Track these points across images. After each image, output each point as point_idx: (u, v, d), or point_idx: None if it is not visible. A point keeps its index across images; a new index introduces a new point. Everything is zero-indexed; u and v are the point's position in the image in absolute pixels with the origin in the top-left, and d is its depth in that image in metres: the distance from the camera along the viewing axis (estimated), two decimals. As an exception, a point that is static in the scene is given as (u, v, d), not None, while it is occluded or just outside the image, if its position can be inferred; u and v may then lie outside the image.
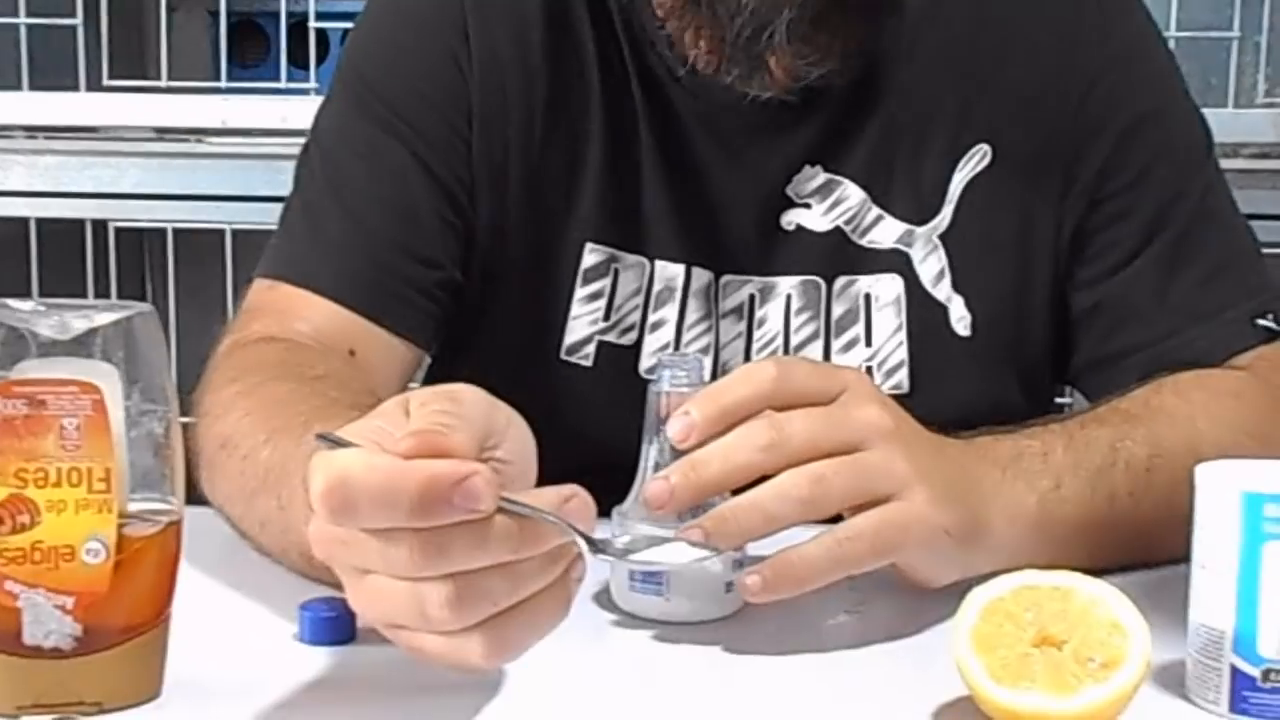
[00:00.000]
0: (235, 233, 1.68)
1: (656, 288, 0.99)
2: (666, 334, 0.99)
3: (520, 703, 0.67)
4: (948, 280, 0.98)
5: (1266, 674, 0.64)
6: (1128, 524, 0.82)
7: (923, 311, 0.98)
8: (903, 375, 0.97)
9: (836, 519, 0.72)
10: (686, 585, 0.75)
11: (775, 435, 0.70)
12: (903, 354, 0.98)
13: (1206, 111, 1.63)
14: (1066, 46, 1.00)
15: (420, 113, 0.94)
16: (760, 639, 0.74)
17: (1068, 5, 1.01)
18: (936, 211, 0.99)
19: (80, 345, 0.61)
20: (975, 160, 0.99)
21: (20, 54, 1.74)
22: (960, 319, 0.98)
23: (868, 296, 0.98)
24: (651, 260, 0.99)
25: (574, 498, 0.60)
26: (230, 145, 1.72)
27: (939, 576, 0.73)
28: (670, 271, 0.99)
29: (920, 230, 0.98)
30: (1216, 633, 0.65)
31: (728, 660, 0.72)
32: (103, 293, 1.73)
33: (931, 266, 0.98)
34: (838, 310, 0.99)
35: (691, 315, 0.99)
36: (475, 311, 0.99)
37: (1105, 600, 0.64)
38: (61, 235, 1.75)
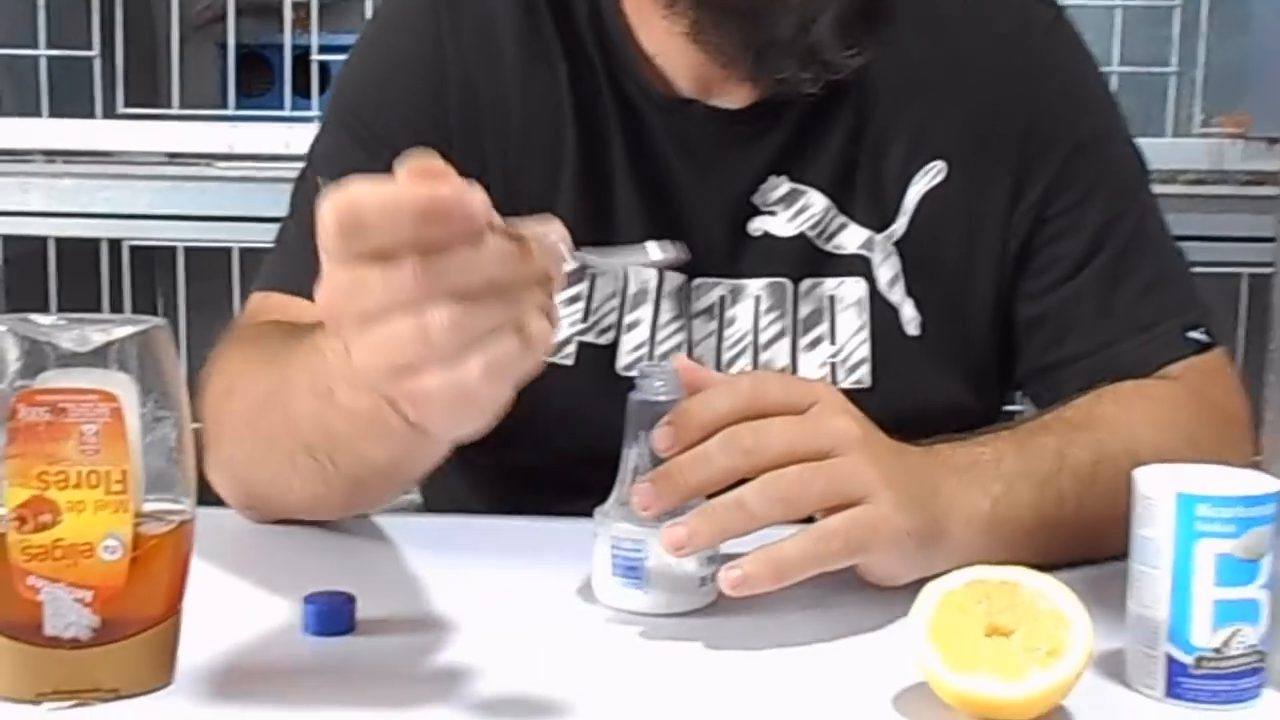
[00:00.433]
0: (242, 251, 1.68)
1: (632, 290, 0.99)
2: (642, 333, 0.99)
3: (508, 690, 0.67)
4: (901, 284, 0.99)
5: (1199, 661, 0.65)
6: (1073, 524, 0.82)
7: (880, 312, 0.99)
8: (864, 371, 0.97)
9: (807, 521, 0.73)
10: (664, 580, 0.75)
11: (755, 442, 0.72)
12: (865, 351, 0.98)
13: (1147, 141, 1.65)
14: (1015, 75, 1.00)
15: (404, 138, 0.93)
16: (734, 632, 0.74)
17: (1016, 37, 1.02)
18: (895, 220, 0.99)
19: (98, 357, 0.61)
20: (931, 175, 0.99)
21: (40, 83, 1.74)
22: (911, 319, 0.98)
23: (832, 298, 0.99)
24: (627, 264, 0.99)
25: (554, 226, 0.61)
26: (237, 169, 1.72)
27: (901, 575, 0.74)
28: (644, 275, 0.99)
29: (879, 237, 0.99)
30: (1153, 623, 0.66)
31: (705, 652, 0.73)
32: (117, 307, 1.73)
33: (887, 271, 0.98)
34: (804, 310, 0.99)
35: (665, 315, 0.99)
36: None
37: (1050, 593, 0.65)
38: (78, 253, 1.75)
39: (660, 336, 0.98)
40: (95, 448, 0.60)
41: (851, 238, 0.98)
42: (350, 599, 0.74)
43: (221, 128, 1.76)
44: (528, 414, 0.95)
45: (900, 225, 0.98)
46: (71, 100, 1.76)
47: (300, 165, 1.03)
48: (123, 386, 0.61)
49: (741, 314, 0.98)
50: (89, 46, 1.76)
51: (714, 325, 0.99)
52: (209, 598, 0.72)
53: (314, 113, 1.78)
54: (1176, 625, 0.65)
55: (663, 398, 0.76)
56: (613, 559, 0.76)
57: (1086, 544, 0.81)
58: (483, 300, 0.58)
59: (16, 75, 1.76)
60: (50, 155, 1.76)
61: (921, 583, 0.67)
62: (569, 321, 0.97)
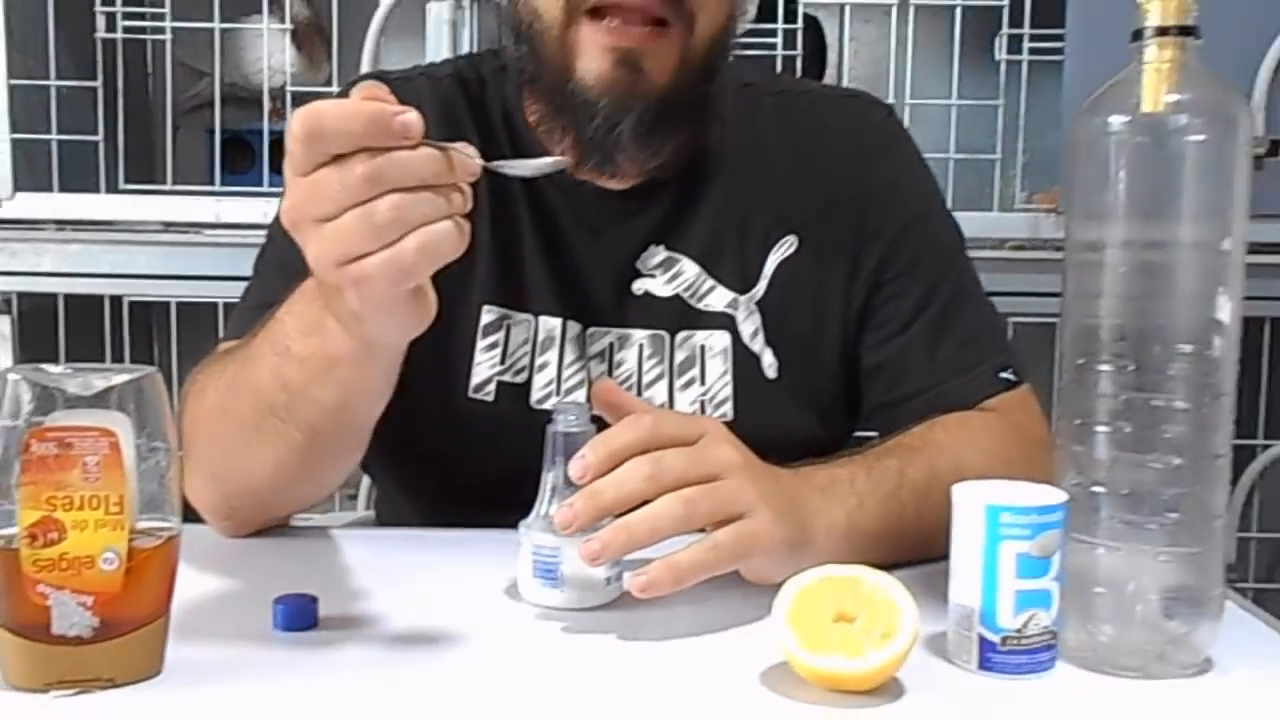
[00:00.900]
0: (226, 306, 1.62)
1: (540, 337, 0.98)
2: (550, 373, 0.98)
3: (448, 673, 0.67)
4: (761, 336, 0.98)
5: (1004, 640, 0.67)
6: (911, 531, 0.83)
7: (743, 359, 0.98)
8: (728, 407, 0.97)
9: (700, 532, 0.74)
10: (576, 581, 0.76)
11: (655, 469, 0.72)
12: (728, 391, 0.98)
13: (978, 214, 1.71)
14: (854, 166, 1.01)
15: None
16: (633, 623, 0.75)
17: (853, 134, 1.03)
18: (755, 284, 0.99)
19: (100, 399, 0.61)
20: (785, 247, 0.99)
21: (52, 162, 1.72)
22: (770, 365, 0.98)
23: (702, 347, 0.98)
24: (536, 316, 0.98)
25: (468, 146, 0.65)
26: (223, 236, 1.71)
27: (775, 576, 0.73)
28: (550, 324, 0.98)
29: (743, 298, 0.99)
30: (968, 610, 0.68)
31: (609, 639, 0.73)
32: (118, 354, 1.71)
33: (749, 326, 0.98)
34: (679, 357, 0.99)
35: (568, 358, 0.98)
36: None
37: (885, 587, 0.66)
38: (84, 307, 1.73)
39: (565, 375, 0.98)
40: (96, 476, 0.60)
41: (718, 298, 0.99)
42: (314, 600, 0.74)
43: (209, 201, 1.74)
44: (458, 441, 0.96)
45: (760, 288, 0.99)
46: (79, 177, 1.74)
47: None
48: (120, 424, 0.61)
49: (628, 358, 0.98)
50: (94, 131, 1.74)
51: (605, 367, 0.98)
52: (193, 600, 0.73)
53: (288, 188, 1.77)
54: (986, 611, 0.67)
55: (575, 429, 0.77)
56: (534, 564, 0.77)
57: (922, 547, 0.82)
58: (417, 194, 0.62)
59: (31, 156, 1.73)
60: (60, 224, 1.73)
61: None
62: (489, 364, 0.97)
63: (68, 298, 1.72)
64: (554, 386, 0.98)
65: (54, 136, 1.73)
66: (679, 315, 0.99)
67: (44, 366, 0.62)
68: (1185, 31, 0.66)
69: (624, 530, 0.72)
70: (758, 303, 0.99)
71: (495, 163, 0.70)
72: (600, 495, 0.72)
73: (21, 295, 1.72)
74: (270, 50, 1.86)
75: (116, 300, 1.72)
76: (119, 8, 1.74)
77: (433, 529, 0.99)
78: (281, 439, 0.81)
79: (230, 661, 0.68)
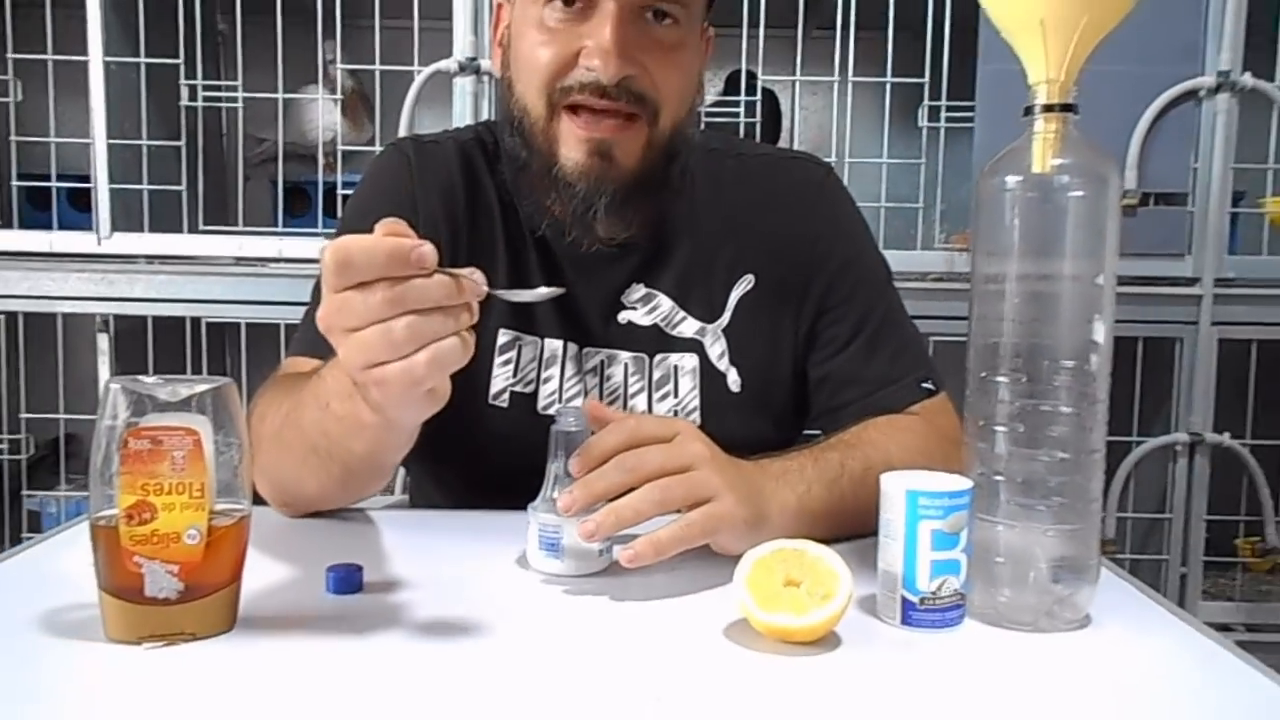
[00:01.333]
0: (287, 327, 1.64)
1: (546, 355, 0.97)
2: (554, 384, 0.97)
3: (471, 628, 0.67)
4: (726, 358, 0.98)
5: (922, 600, 0.67)
6: (850, 511, 0.83)
7: (710, 376, 0.98)
8: (696, 415, 0.97)
9: (677, 513, 0.74)
10: (574, 553, 0.76)
11: (637, 463, 0.73)
12: (696, 402, 0.97)
13: (904, 252, 1.71)
14: (800, 215, 1.00)
15: None
16: (619, 587, 0.75)
17: (799, 189, 1.02)
18: (720, 315, 0.99)
19: (185, 404, 0.62)
20: (745, 285, 0.99)
21: (143, 208, 1.72)
22: (734, 382, 0.98)
23: (675, 367, 0.98)
24: (542, 338, 0.97)
25: (475, 271, 0.64)
26: (284, 269, 1.71)
27: (738, 548, 0.73)
28: (554, 345, 0.97)
29: (710, 327, 0.98)
30: (893, 576, 0.68)
31: (601, 599, 0.74)
32: (197, 367, 1.71)
33: (716, 349, 0.98)
34: (657, 374, 0.98)
35: (568, 372, 0.98)
36: None
37: (826, 557, 0.67)
38: (169, 328, 1.72)
39: (566, 386, 0.98)
40: (182, 467, 0.61)
41: (689, 327, 0.98)
42: (360, 568, 0.74)
43: (273, 239, 1.74)
44: (479, 440, 0.96)
45: (725, 319, 0.98)
46: (165, 220, 1.74)
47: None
48: (202, 425, 0.62)
49: (616, 373, 0.98)
50: (178, 182, 1.74)
51: (597, 380, 0.98)
52: (260, 568, 0.73)
53: (338, 229, 1.77)
54: (907, 577, 0.67)
55: (574, 429, 0.78)
56: (540, 539, 0.77)
57: (858, 524, 0.81)
58: (429, 315, 0.62)
59: (127, 203, 1.73)
60: (150, 259, 1.73)
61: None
62: (504, 377, 0.97)
63: (155, 319, 1.72)
64: (557, 395, 0.97)
65: (145, 186, 1.73)
66: (656, 341, 0.98)
67: (139, 378, 0.62)
68: (1066, 108, 0.67)
69: (613, 513, 0.72)
70: (723, 330, 0.98)
71: (499, 291, 0.70)
72: (593, 485, 0.73)
73: (117, 318, 1.72)
74: (323, 116, 1.86)
75: (196, 321, 1.72)
76: (199, 81, 1.73)
77: (456, 511, 0.98)
78: (323, 470, 0.81)
79: (290, 619, 0.68)
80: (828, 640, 0.66)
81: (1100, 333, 0.68)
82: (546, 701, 0.57)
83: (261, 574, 0.74)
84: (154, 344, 1.71)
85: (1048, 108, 0.67)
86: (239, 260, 1.73)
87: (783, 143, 2.02)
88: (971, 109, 1.67)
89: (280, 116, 1.81)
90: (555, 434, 0.78)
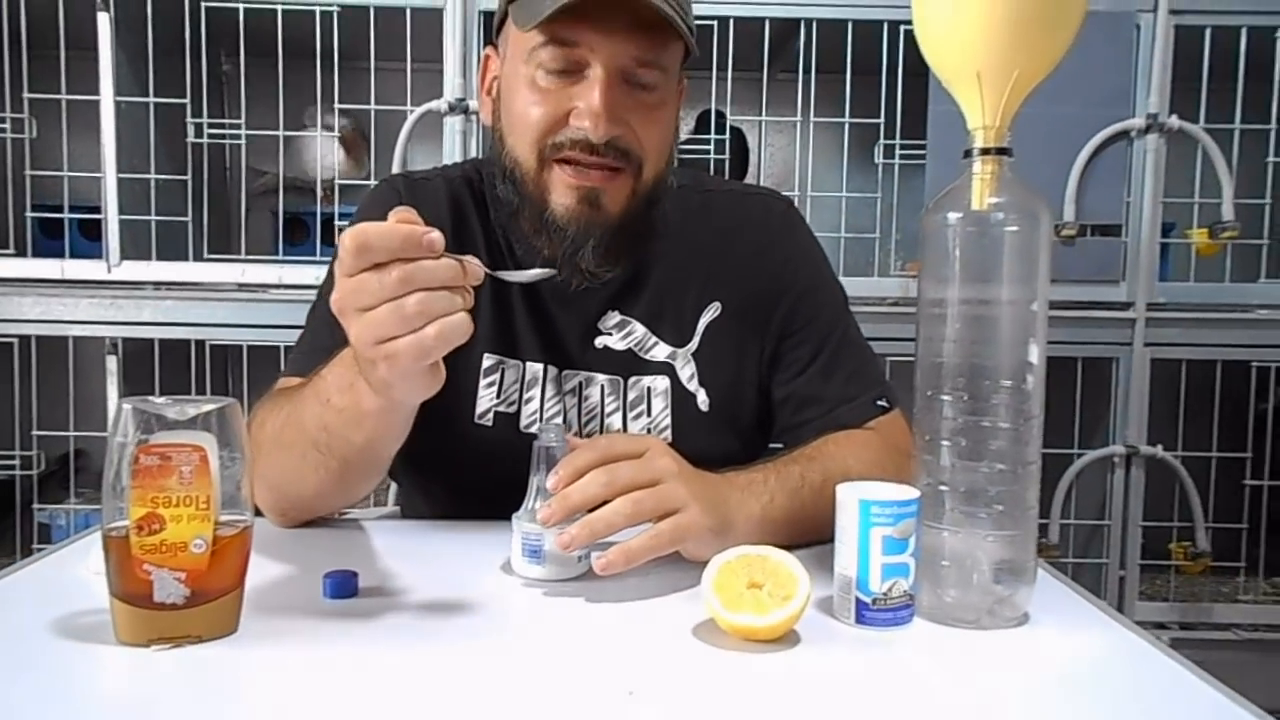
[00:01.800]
0: (286, 348, 1.63)
1: (527, 377, 0.97)
2: (535, 404, 0.97)
3: (460, 628, 0.68)
4: (696, 379, 0.98)
5: (874, 601, 0.68)
6: (810, 520, 0.83)
7: (681, 396, 0.98)
8: (668, 433, 0.97)
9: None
10: (555, 559, 0.77)
11: (609, 479, 0.74)
12: (668, 421, 0.97)
13: (863, 278, 1.73)
14: (764, 248, 1.01)
15: None
16: (597, 590, 0.76)
17: (762, 222, 1.02)
18: (690, 340, 0.99)
19: (192, 423, 0.62)
20: (712, 311, 0.99)
21: (151, 237, 1.71)
22: (702, 402, 0.98)
23: (649, 389, 0.98)
24: (523, 362, 0.97)
25: (474, 259, 0.66)
26: (284, 295, 1.70)
27: (705, 555, 0.73)
28: (535, 368, 0.97)
29: (680, 351, 0.99)
30: (847, 579, 0.69)
31: (580, 601, 0.74)
32: (200, 387, 1.70)
33: (686, 371, 0.98)
34: (631, 395, 0.98)
35: (548, 393, 0.98)
36: None
37: (787, 561, 0.68)
38: (175, 351, 1.71)
39: (546, 406, 0.98)
40: (189, 481, 0.61)
41: (661, 351, 0.99)
42: (355, 574, 0.74)
43: (273, 267, 1.73)
44: (465, 456, 0.96)
45: (694, 343, 0.99)
46: (172, 249, 1.73)
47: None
48: (208, 442, 0.62)
49: (593, 395, 0.98)
50: (184, 213, 1.73)
51: (575, 400, 0.98)
52: (262, 575, 0.74)
53: (335, 258, 1.76)
54: (861, 579, 0.68)
55: (554, 445, 0.79)
56: (523, 546, 0.78)
57: (816, 531, 0.82)
58: (438, 293, 0.64)
59: (135, 233, 1.72)
60: (157, 285, 1.71)
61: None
62: (489, 397, 0.97)
63: (161, 342, 1.70)
64: (538, 415, 0.98)
65: (153, 217, 1.72)
66: (630, 364, 0.98)
67: (148, 398, 0.63)
68: (1002, 151, 0.69)
69: (587, 525, 0.73)
70: (693, 354, 0.99)
71: (498, 272, 0.73)
72: (570, 498, 0.74)
73: (126, 340, 1.71)
74: (322, 152, 1.86)
75: (200, 344, 1.71)
76: (205, 119, 1.74)
77: (445, 521, 0.98)
78: (322, 466, 0.81)
79: (290, 622, 0.68)
80: (788, 638, 0.66)
81: (1035, 354, 0.69)
82: (528, 695, 0.58)
83: (263, 580, 0.74)
84: (160, 366, 1.70)
85: (984, 151, 0.69)
86: (241, 286, 1.72)
87: (750, 177, 2.03)
88: (923, 147, 1.69)
89: (281, 152, 1.81)
90: (537, 450, 0.79)
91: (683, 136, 1.94)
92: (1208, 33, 1.69)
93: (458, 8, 1.68)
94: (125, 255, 1.71)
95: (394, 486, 1.66)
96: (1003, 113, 0.69)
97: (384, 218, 0.96)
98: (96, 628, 0.64)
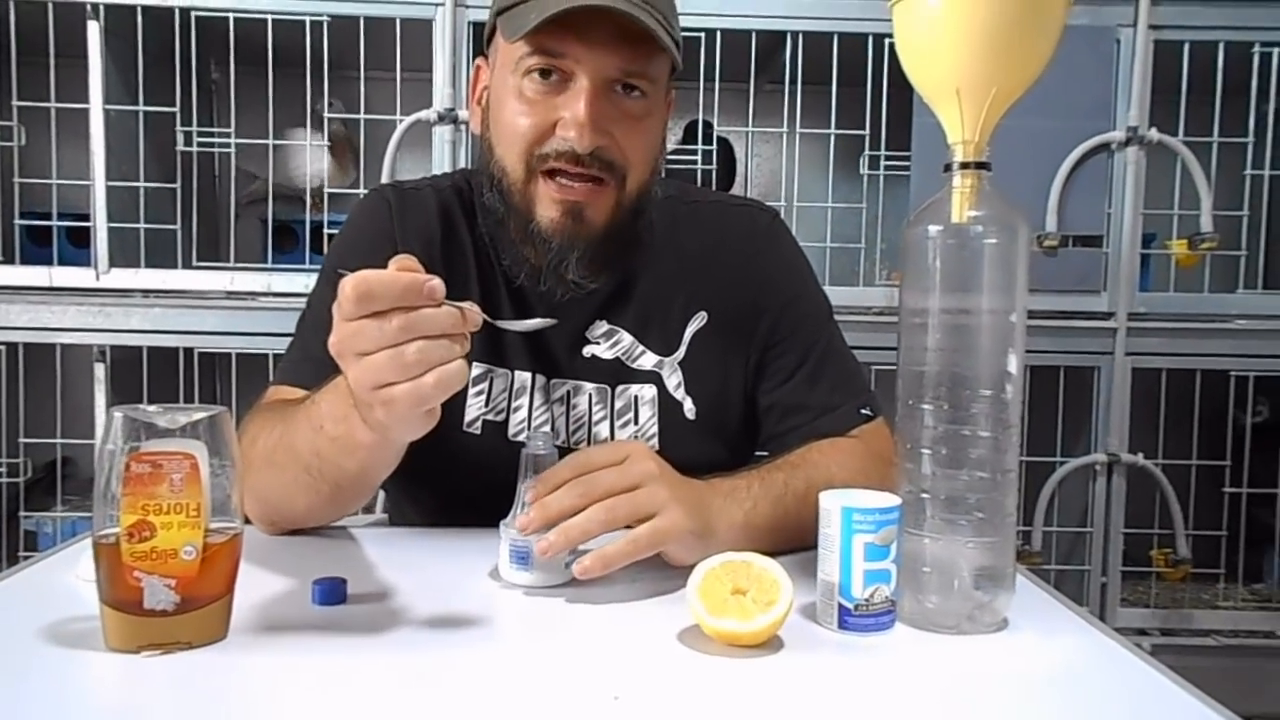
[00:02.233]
0: (275, 357, 1.63)
1: (516, 386, 0.98)
2: (523, 413, 0.98)
3: (448, 633, 0.68)
4: (682, 388, 0.99)
5: (856, 607, 0.69)
6: (794, 526, 0.84)
7: (668, 405, 0.98)
8: (655, 441, 0.97)
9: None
10: (541, 564, 0.77)
11: (586, 488, 0.75)
12: (655, 429, 0.98)
13: (848, 288, 1.74)
14: (748, 257, 1.02)
15: None
16: (582, 595, 0.76)
17: (747, 233, 1.03)
18: (676, 349, 0.99)
19: (183, 431, 0.63)
20: (698, 321, 1.00)
21: (140, 245, 1.72)
22: (689, 410, 0.99)
23: (636, 397, 0.98)
24: (512, 370, 0.98)
25: (474, 305, 0.66)
26: (272, 303, 1.70)
27: (688, 559, 0.75)
28: (523, 377, 0.98)
29: (667, 360, 0.99)
30: (830, 584, 0.70)
31: (565, 605, 0.75)
32: (189, 395, 1.69)
33: (673, 380, 0.99)
34: (619, 404, 0.98)
35: (536, 401, 0.98)
36: None
37: (770, 568, 0.68)
38: (163, 358, 1.71)
39: (534, 415, 0.98)
40: (180, 488, 0.62)
41: (648, 360, 0.99)
42: (344, 581, 0.75)
43: (262, 275, 1.73)
44: (453, 464, 0.97)
45: (681, 352, 0.99)
46: (161, 256, 1.73)
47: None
48: (198, 450, 0.62)
49: (581, 403, 0.99)
50: (173, 221, 1.73)
51: (564, 409, 0.99)
52: (251, 581, 0.73)
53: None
54: (843, 585, 0.69)
55: (543, 452, 0.79)
56: (510, 552, 0.78)
57: (800, 538, 0.82)
58: (437, 341, 0.64)
59: (124, 240, 1.72)
60: (145, 293, 1.71)
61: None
62: (477, 406, 0.97)
63: (150, 350, 1.70)
64: (526, 423, 0.98)
65: (142, 225, 1.72)
66: (618, 372, 0.99)
67: (139, 406, 0.63)
68: (981, 166, 0.70)
69: (563, 533, 0.74)
70: (679, 363, 0.99)
71: (497, 321, 0.73)
72: (549, 507, 0.75)
73: (114, 348, 1.70)
74: (311, 160, 1.86)
75: (189, 352, 1.71)
76: (194, 127, 1.74)
77: (433, 529, 0.99)
78: (312, 489, 0.82)
79: (279, 629, 0.68)
80: (772, 643, 0.67)
81: (1014, 364, 0.70)
82: (515, 700, 0.59)
83: (252, 587, 0.74)
84: (148, 373, 1.69)
85: (964, 165, 0.70)
86: (230, 294, 1.72)
87: (737, 187, 2.05)
88: (908, 158, 1.70)
89: (270, 160, 1.82)
90: (525, 457, 0.80)
91: (670, 147, 1.95)
92: (1186, 47, 1.72)
93: (447, 19, 1.69)
94: (114, 263, 1.71)
95: (382, 494, 1.67)
96: (982, 128, 0.70)
97: (375, 229, 1.00)
98: (86, 634, 0.64)
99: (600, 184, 0.90)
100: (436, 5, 1.69)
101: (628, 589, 0.78)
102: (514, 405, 0.98)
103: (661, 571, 0.78)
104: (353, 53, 1.69)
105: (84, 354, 1.72)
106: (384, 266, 0.64)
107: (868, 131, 1.74)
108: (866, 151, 1.75)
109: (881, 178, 1.76)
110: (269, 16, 1.67)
